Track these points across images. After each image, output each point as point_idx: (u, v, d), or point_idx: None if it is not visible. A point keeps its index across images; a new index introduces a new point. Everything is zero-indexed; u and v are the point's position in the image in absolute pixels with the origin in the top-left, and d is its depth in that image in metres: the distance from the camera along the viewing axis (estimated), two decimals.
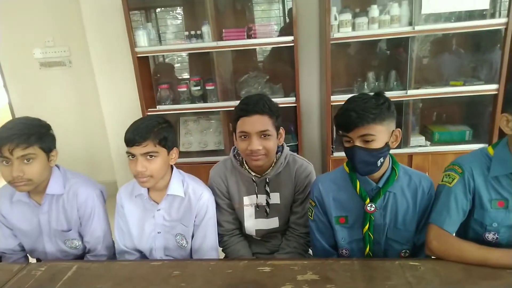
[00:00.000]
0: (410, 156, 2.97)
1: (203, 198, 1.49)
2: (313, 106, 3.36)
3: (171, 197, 1.49)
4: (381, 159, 1.27)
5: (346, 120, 1.23)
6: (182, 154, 3.29)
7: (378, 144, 1.24)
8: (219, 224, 1.61)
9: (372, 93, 1.30)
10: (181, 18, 3.30)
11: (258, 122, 1.41)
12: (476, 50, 3.06)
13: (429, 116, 3.24)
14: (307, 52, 3.21)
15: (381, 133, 1.24)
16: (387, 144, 1.27)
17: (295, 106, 2.98)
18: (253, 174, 1.55)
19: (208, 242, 1.51)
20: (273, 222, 1.60)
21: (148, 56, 3.11)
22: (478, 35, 3.01)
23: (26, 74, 3.62)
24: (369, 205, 1.32)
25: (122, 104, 3.35)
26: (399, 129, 1.31)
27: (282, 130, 1.52)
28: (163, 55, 3.40)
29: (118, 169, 3.58)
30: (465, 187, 1.26)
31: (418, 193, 1.33)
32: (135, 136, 1.34)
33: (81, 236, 1.60)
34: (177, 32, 3.14)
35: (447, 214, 1.26)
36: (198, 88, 3.12)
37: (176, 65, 3.47)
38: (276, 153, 1.56)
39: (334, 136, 3.09)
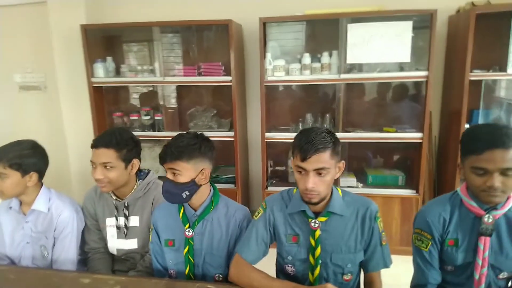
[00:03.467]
0: None
1: (63, 215, 1.69)
2: (258, 141, 3.54)
3: (37, 212, 1.69)
4: (187, 192, 1.43)
5: (163, 153, 1.43)
6: None
7: (183, 178, 1.41)
8: (86, 242, 1.80)
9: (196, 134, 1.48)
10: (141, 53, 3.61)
11: (103, 155, 1.63)
12: (408, 99, 3.20)
13: (366, 160, 3.36)
14: (254, 92, 3.43)
15: (186, 170, 1.42)
16: (193, 180, 1.43)
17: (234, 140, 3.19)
18: (114, 198, 1.74)
19: (65, 255, 1.69)
20: (132, 243, 1.76)
21: (102, 86, 3.41)
22: (409, 86, 3.17)
23: (6, 96, 4.00)
24: (187, 230, 1.48)
25: (81, 128, 3.63)
26: (207, 169, 1.47)
27: (135, 161, 1.72)
28: (123, 86, 3.68)
29: (75, 184, 3.81)
30: (265, 221, 1.41)
31: (231, 223, 1.49)
32: None
33: None
34: (133, 66, 3.43)
35: (247, 244, 1.40)
36: (148, 117, 3.39)
37: (132, 96, 3.76)
38: (138, 180, 1.75)
39: (269, 171, 3.26)
